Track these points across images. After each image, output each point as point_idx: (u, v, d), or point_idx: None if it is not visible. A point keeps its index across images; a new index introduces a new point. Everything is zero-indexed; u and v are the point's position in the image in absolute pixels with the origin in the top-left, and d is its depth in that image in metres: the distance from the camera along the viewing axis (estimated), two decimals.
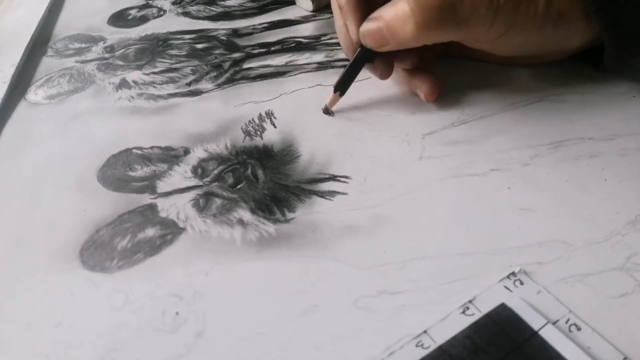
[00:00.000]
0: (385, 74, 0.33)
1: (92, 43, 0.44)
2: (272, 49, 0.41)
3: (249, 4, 0.48)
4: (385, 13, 0.29)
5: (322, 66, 0.38)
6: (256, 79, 0.38)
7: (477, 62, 0.36)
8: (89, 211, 0.28)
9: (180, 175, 0.30)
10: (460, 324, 0.21)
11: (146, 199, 0.28)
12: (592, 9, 0.29)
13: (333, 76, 0.36)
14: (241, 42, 0.42)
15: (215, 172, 0.30)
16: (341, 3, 0.32)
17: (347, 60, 0.38)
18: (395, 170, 0.29)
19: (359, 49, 0.32)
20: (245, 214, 0.27)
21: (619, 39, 0.30)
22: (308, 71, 0.38)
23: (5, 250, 0.26)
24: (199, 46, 0.42)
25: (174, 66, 0.40)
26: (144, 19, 0.47)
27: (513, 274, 0.23)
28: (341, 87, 0.33)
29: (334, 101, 0.33)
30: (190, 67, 0.39)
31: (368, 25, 0.30)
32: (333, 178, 0.29)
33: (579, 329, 0.20)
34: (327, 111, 0.33)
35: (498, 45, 0.31)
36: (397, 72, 0.34)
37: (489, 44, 0.31)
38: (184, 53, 0.41)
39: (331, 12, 0.37)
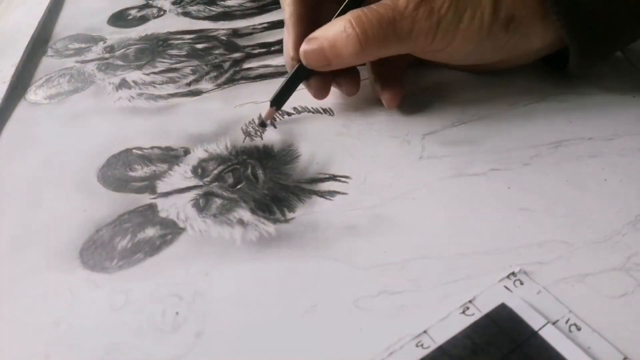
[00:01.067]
0: (320, 94, 0.32)
1: (92, 43, 0.44)
2: (272, 49, 0.41)
3: (249, 4, 0.48)
4: (325, 33, 0.29)
5: None
6: (256, 79, 0.38)
7: None
8: (89, 211, 0.28)
9: (180, 176, 0.30)
10: (460, 324, 0.21)
11: (146, 199, 0.28)
12: (554, 9, 0.28)
13: None
14: (241, 42, 0.42)
15: (215, 172, 0.30)
16: (284, 17, 0.32)
17: None
18: (395, 170, 0.29)
19: (297, 65, 0.31)
20: (245, 214, 0.27)
21: (585, 40, 0.29)
22: None
23: (5, 250, 0.26)
24: (199, 46, 0.42)
25: (174, 66, 0.40)
26: (144, 19, 0.47)
27: (513, 273, 0.23)
28: (277, 102, 0.32)
29: (270, 115, 0.32)
30: (190, 67, 0.39)
31: (309, 46, 0.30)
32: (333, 178, 0.29)
33: (579, 329, 0.20)
34: (263, 124, 0.33)
35: (450, 55, 0.30)
36: (346, 85, 0.33)
37: (440, 54, 0.31)
38: (184, 53, 0.41)
39: None
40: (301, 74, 0.31)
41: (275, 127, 0.33)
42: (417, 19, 0.28)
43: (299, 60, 0.31)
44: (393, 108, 0.32)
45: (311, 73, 0.31)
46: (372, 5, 0.29)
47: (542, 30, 0.29)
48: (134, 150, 0.32)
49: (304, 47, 0.30)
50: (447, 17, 0.28)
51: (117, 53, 0.42)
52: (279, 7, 0.47)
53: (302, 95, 0.34)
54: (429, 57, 0.32)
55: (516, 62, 0.33)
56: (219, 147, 0.31)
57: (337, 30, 0.29)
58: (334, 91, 0.33)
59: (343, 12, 0.30)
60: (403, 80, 0.33)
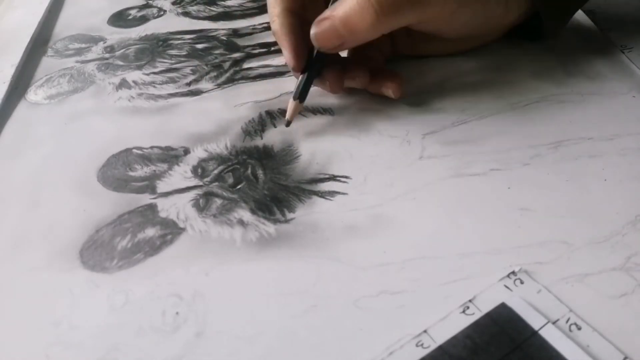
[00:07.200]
0: (335, 88, 0.32)
1: (92, 43, 0.44)
2: (272, 48, 0.41)
3: (249, 4, 0.48)
4: (335, 12, 0.29)
5: None
6: (256, 79, 0.38)
7: (476, 62, 0.36)
8: (89, 211, 0.28)
9: (180, 175, 0.30)
10: (460, 323, 0.21)
11: (146, 199, 0.28)
12: None
13: None
14: (241, 42, 0.42)
15: (215, 172, 0.30)
16: (274, 29, 0.32)
17: None
18: (395, 170, 0.29)
19: (314, 55, 0.31)
20: (245, 214, 0.27)
21: (554, 8, 0.33)
22: None
23: (5, 250, 0.26)
24: (199, 46, 0.42)
25: (174, 66, 0.40)
26: (144, 19, 0.47)
27: (513, 273, 0.23)
28: (301, 97, 0.31)
29: (296, 110, 0.31)
30: (190, 67, 0.39)
31: (321, 26, 0.29)
32: (333, 178, 0.29)
33: (579, 328, 0.20)
34: (289, 123, 0.31)
35: (450, 23, 0.32)
36: (360, 76, 0.33)
37: (443, 22, 0.32)
38: (184, 53, 0.41)
39: None
40: (314, 69, 0.31)
41: (275, 127, 0.33)
42: None
43: (303, 70, 0.31)
44: (401, 96, 0.32)
45: (323, 69, 0.31)
46: None
47: (519, 2, 0.33)
48: (134, 150, 0.32)
49: (314, 29, 0.29)
50: None
51: (117, 53, 0.42)
52: None
53: None
54: (430, 28, 0.32)
55: (494, 36, 0.36)
56: (219, 147, 0.31)
57: (349, 6, 0.28)
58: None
59: None
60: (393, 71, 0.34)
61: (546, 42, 0.37)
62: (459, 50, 0.36)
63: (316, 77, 0.32)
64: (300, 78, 0.32)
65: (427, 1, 0.29)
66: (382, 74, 0.33)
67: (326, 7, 0.31)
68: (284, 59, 0.32)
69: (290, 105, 0.31)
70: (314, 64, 0.31)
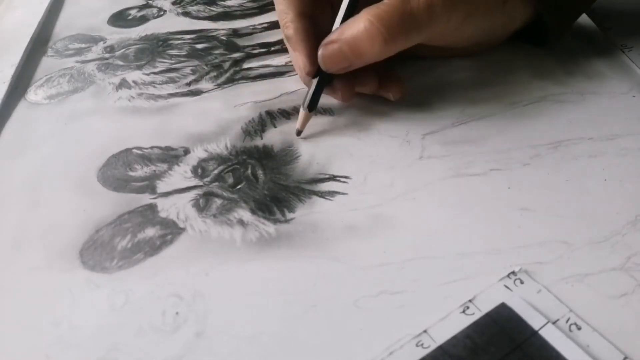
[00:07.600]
0: (347, 96, 0.32)
1: (92, 43, 0.44)
2: (272, 49, 0.41)
3: (249, 4, 0.48)
4: (344, 34, 0.29)
5: None
6: (256, 79, 0.38)
7: (476, 62, 0.36)
8: (89, 211, 0.28)
9: (180, 175, 0.30)
10: (460, 323, 0.21)
11: (146, 199, 0.28)
12: None
13: None
14: (241, 42, 0.42)
15: (215, 172, 0.30)
16: (288, 34, 0.32)
17: None
18: (395, 170, 0.29)
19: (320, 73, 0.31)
20: (245, 214, 0.27)
21: (557, 13, 0.33)
22: None
23: (5, 250, 0.26)
24: (199, 46, 0.42)
25: (174, 66, 0.40)
26: (144, 19, 0.47)
27: (513, 272, 0.23)
28: (311, 106, 0.31)
29: (306, 120, 0.31)
30: (190, 67, 0.39)
31: (328, 49, 0.29)
32: (333, 178, 0.29)
33: (579, 328, 0.20)
34: (299, 133, 0.31)
35: (455, 37, 0.32)
36: (371, 83, 0.32)
37: (448, 37, 0.32)
38: (184, 53, 0.41)
39: None
40: (325, 78, 0.31)
41: (275, 127, 0.33)
42: (432, 4, 0.28)
43: (316, 74, 0.31)
44: (401, 98, 0.32)
45: (334, 79, 0.31)
46: (385, 1, 0.29)
47: (522, 10, 0.33)
48: (134, 150, 0.32)
49: (322, 52, 0.29)
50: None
51: (117, 53, 0.42)
52: None
53: (301, 95, 0.34)
54: (433, 42, 0.32)
55: (495, 43, 0.36)
56: (219, 147, 0.31)
57: (356, 30, 0.28)
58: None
59: (347, 15, 0.30)
60: (395, 71, 0.33)
61: None
62: (461, 56, 0.36)
63: (327, 86, 0.32)
64: (310, 87, 0.31)
65: (432, 21, 0.29)
66: (382, 75, 0.33)
67: (333, 12, 0.31)
68: (297, 63, 0.32)
69: (301, 114, 0.31)
70: (324, 73, 0.31)
